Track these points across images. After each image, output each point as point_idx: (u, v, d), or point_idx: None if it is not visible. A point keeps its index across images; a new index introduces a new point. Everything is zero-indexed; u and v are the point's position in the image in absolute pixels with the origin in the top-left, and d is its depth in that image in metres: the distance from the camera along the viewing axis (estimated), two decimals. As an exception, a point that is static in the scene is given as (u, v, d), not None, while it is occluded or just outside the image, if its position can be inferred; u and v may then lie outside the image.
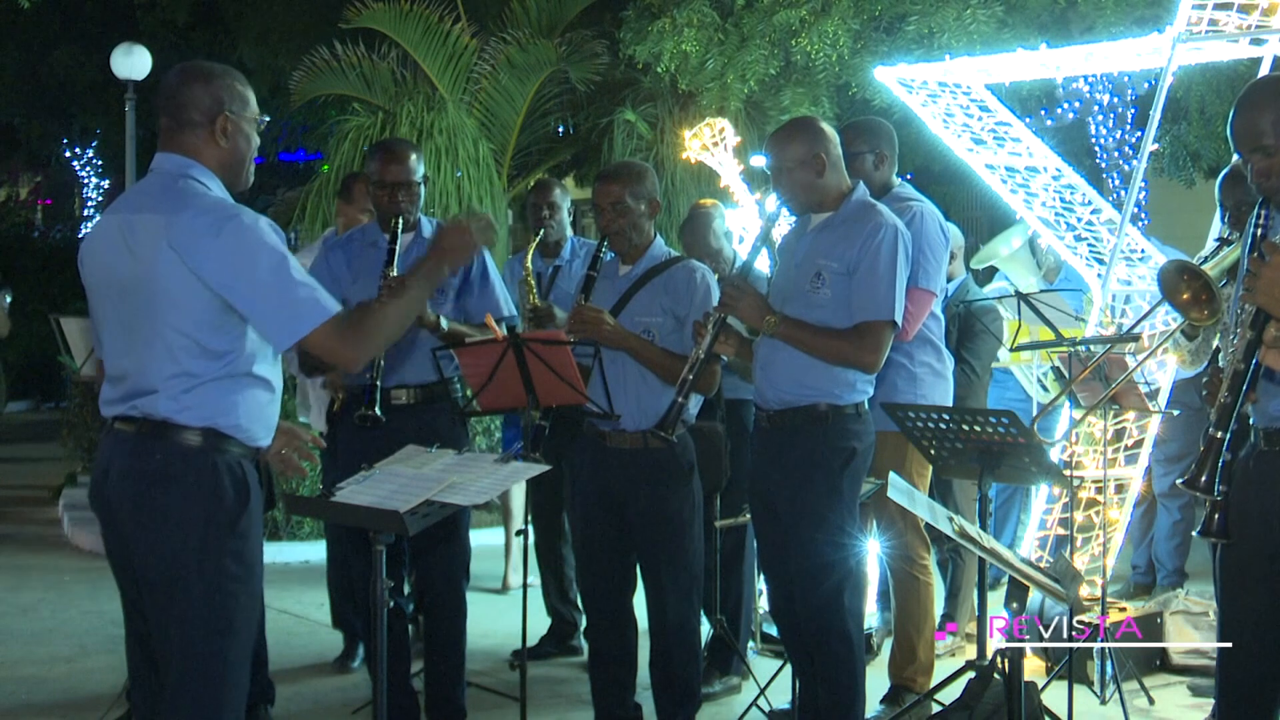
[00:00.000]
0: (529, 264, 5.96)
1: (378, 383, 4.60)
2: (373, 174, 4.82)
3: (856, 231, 4.25)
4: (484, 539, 7.08)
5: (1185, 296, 3.72)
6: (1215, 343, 4.75)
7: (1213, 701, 5.00)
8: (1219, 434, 3.13)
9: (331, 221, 11.76)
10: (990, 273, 8.30)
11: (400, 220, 4.74)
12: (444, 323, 4.70)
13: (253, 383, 3.28)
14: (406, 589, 5.16)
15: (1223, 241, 4.69)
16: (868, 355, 4.21)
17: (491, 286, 4.94)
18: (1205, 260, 4.50)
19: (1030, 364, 7.09)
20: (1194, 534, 3.37)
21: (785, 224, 4.74)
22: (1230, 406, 3.14)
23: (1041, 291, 6.45)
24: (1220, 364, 4.22)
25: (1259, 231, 3.33)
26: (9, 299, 9.22)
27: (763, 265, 5.56)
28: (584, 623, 6.17)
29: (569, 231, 6.28)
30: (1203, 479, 3.13)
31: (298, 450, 3.57)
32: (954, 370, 5.30)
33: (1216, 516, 3.24)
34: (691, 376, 4.28)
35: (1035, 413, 6.51)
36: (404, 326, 3.48)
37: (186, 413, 3.20)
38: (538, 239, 6.09)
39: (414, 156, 4.84)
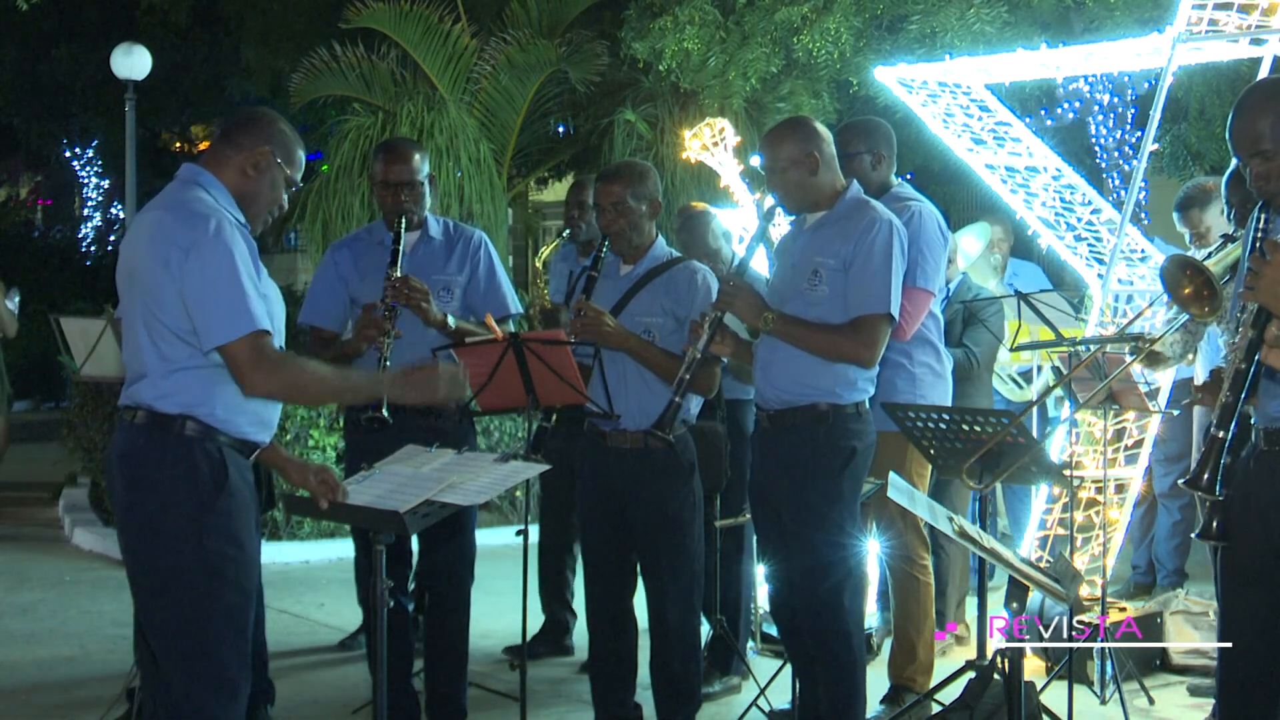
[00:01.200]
0: (539, 263, 5.99)
1: None
2: (376, 174, 4.82)
3: (852, 228, 4.25)
4: (484, 539, 7.08)
5: (1187, 291, 3.72)
6: (1203, 339, 4.77)
7: (1213, 701, 5.01)
8: (1220, 434, 3.13)
9: (333, 220, 11.81)
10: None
11: (404, 220, 4.74)
12: (451, 320, 4.70)
13: (229, 374, 3.38)
14: (411, 586, 5.15)
15: (1226, 238, 4.70)
16: (864, 350, 4.21)
17: (498, 284, 4.94)
18: (1209, 256, 4.51)
19: (1002, 366, 7.09)
20: (1193, 536, 3.36)
21: (785, 225, 4.74)
22: (1232, 406, 3.13)
23: (1041, 291, 6.45)
24: (1221, 364, 4.23)
25: (1260, 235, 3.33)
26: (18, 299, 9.24)
27: (762, 266, 5.58)
28: (575, 623, 6.18)
29: None
30: (1205, 478, 3.12)
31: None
32: (956, 357, 5.28)
33: (1215, 520, 3.23)
34: (688, 376, 4.28)
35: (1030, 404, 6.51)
36: (317, 400, 3.62)
37: (165, 400, 3.36)
38: (560, 237, 6.13)
39: (418, 156, 4.84)
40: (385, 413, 4.56)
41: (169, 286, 3.32)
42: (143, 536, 3.36)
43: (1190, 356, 5.10)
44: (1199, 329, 4.67)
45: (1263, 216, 3.35)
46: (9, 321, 8.98)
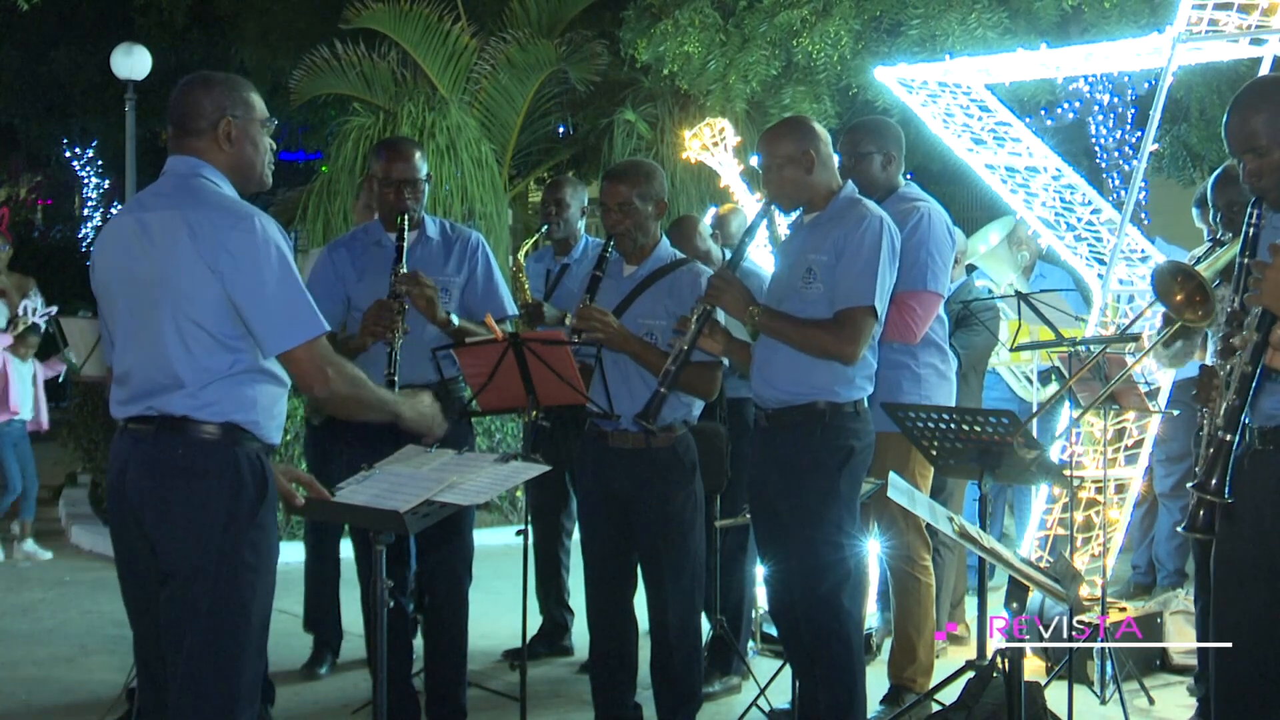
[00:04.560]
0: (521, 258, 6.02)
1: (395, 379, 4.60)
2: (377, 171, 4.84)
3: (842, 225, 4.25)
4: (484, 539, 7.09)
5: (1179, 298, 3.73)
6: (1200, 342, 4.77)
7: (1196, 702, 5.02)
8: (1228, 436, 3.12)
9: (334, 220, 11.80)
10: (968, 270, 8.29)
11: (406, 217, 4.74)
12: (455, 320, 4.72)
13: (267, 378, 3.32)
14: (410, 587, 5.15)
15: (1215, 242, 4.70)
16: (846, 345, 4.17)
17: (496, 285, 4.95)
18: (1199, 260, 4.51)
19: (1020, 364, 7.08)
20: (1178, 529, 3.36)
21: (786, 226, 4.74)
22: (1238, 409, 3.13)
23: (1042, 291, 6.45)
24: (1209, 362, 4.23)
25: (1252, 230, 3.35)
26: (40, 300, 9.03)
27: (767, 264, 5.58)
28: (574, 621, 6.19)
29: (581, 230, 6.28)
30: (1213, 482, 3.12)
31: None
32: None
33: (1202, 512, 3.23)
34: (674, 367, 4.28)
35: (1033, 412, 6.51)
36: (358, 410, 3.54)
37: (205, 409, 3.24)
38: (537, 235, 6.17)
39: (418, 154, 4.88)
40: None
41: (215, 292, 3.21)
42: (180, 552, 3.22)
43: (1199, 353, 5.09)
44: (1180, 340, 4.67)
45: (1255, 213, 3.36)
46: (26, 349, 8.65)
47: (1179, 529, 3.38)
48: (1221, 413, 3.22)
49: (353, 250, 4.95)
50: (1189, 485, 3.31)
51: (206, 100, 3.37)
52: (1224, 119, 3.39)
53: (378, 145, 5.07)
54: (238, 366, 3.26)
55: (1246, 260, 3.31)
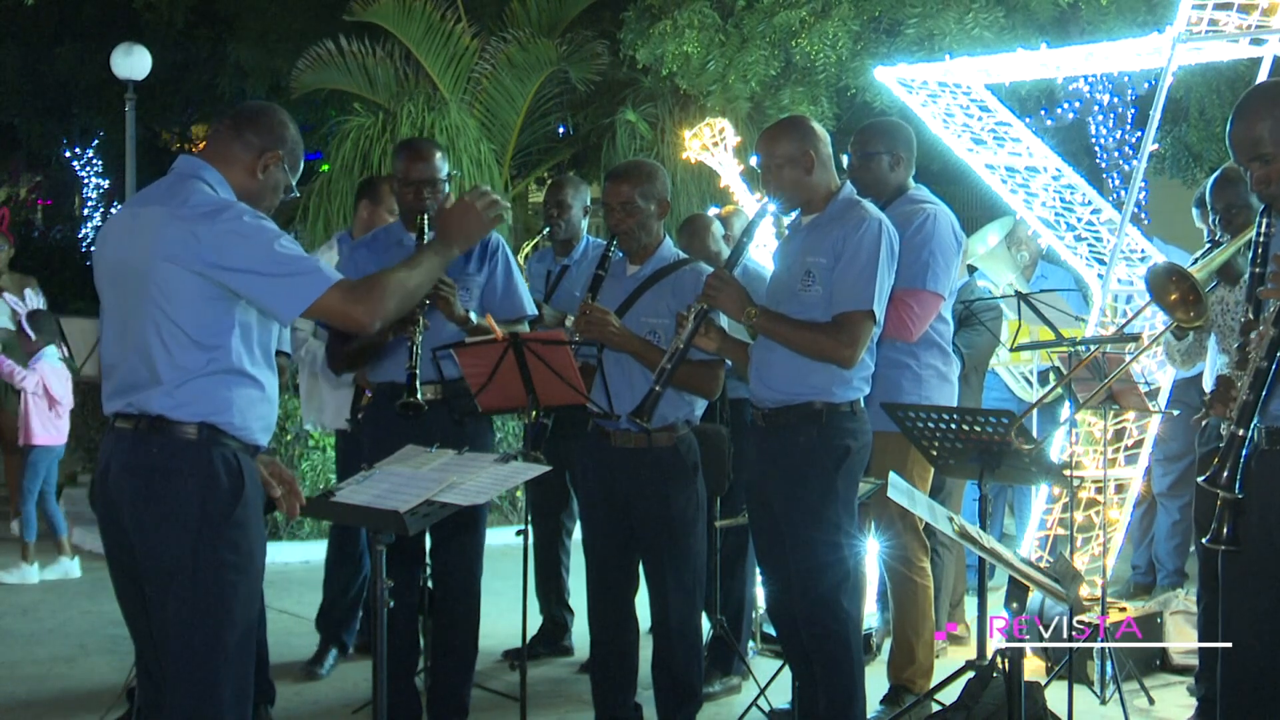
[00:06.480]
0: (521, 260, 6.01)
1: (416, 371, 4.60)
2: (399, 171, 4.87)
3: (841, 226, 4.25)
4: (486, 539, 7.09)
5: (1173, 298, 3.74)
6: (1208, 344, 4.78)
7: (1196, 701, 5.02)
8: (1240, 431, 3.12)
9: (334, 220, 11.79)
10: (970, 271, 8.29)
11: (426, 217, 4.76)
12: (474, 317, 4.73)
13: (243, 380, 3.32)
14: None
15: (1214, 243, 4.70)
16: (844, 349, 4.17)
17: (516, 285, 4.97)
18: (1195, 262, 4.52)
19: (1019, 364, 7.09)
20: (1204, 541, 3.35)
21: (785, 227, 4.74)
22: (1251, 404, 3.13)
23: (1042, 292, 6.45)
24: (1222, 371, 4.24)
25: (1263, 240, 3.33)
26: (41, 297, 8.90)
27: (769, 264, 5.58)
28: (574, 620, 6.19)
29: (583, 231, 6.29)
30: (1224, 476, 3.12)
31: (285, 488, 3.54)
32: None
33: (1226, 526, 3.21)
34: (670, 365, 4.27)
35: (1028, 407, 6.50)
36: (416, 296, 3.50)
37: (181, 409, 3.25)
38: (538, 236, 6.18)
39: (438, 155, 4.92)
40: (419, 397, 4.55)
41: (194, 289, 3.21)
42: (157, 551, 3.23)
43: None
44: (1191, 333, 4.68)
45: (1265, 220, 3.35)
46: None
47: (1204, 541, 3.36)
48: (1235, 408, 3.21)
49: (374, 250, 4.97)
50: (1199, 480, 3.30)
51: (280, 128, 3.43)
52: (1227, 126, 3.36)
53: (399, 146, 5.11)
54: (213, 366, 3.26)
55: (1258, 270, 3.30)
